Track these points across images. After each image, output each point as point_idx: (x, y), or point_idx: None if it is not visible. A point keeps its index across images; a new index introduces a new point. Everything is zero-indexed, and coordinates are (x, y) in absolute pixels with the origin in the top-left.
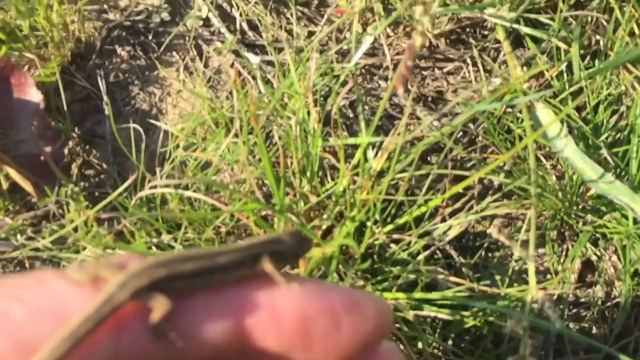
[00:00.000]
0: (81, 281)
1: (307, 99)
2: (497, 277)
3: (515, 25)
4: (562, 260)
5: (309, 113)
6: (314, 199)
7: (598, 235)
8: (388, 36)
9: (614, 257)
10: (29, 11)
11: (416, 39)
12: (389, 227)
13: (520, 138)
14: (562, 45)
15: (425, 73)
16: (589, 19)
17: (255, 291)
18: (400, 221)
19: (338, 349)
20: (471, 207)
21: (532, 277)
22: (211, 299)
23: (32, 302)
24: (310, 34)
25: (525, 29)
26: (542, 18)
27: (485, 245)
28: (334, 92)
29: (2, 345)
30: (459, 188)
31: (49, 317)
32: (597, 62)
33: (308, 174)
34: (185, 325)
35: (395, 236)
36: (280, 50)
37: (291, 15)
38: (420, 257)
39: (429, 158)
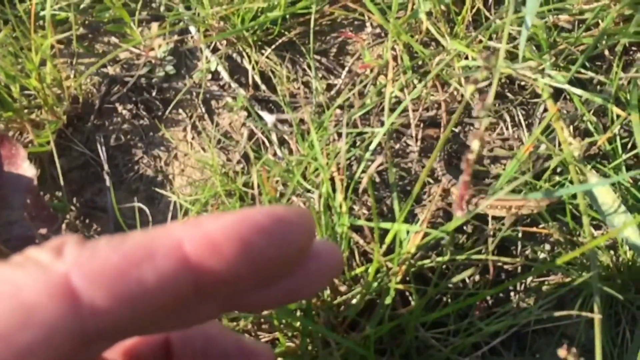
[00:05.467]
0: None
1: (332, 171)
2: None
3: (565, 86)
4: (617, 342)
5: (333, 184)
6: (341, 286)
7: None
8: (415, 87)
9: None
10: (19, 73)
11: (474, 143)
12: (428, 317)
13: (568, 209)
14: (619, 112)
15: (457, 130)
16: None
17: (184, 229)
18: (435, 315)
19: (277, 263)
20: (515, 285)
21: None
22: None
23: None
24: (329, 86)
25: (576, 91)
26: (591, 74)
27: (532, 328)
28: (364, 161)
29: None
30: (508, 285)
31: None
32: None
33: None
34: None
35: (436, 333)
36: (297, 106)
37: (308, 66)
38: (466, 359)
39: (464, 227)
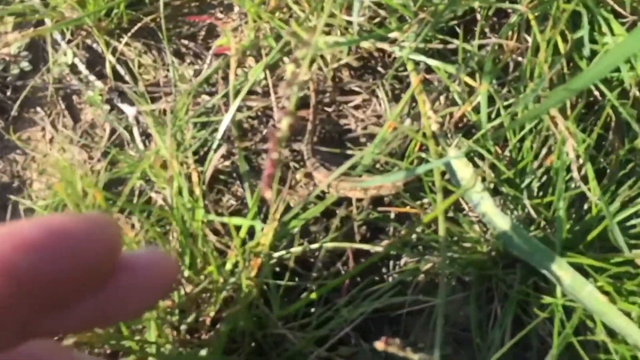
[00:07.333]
0: None
1: (186, 161)
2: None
3: (421, 58)
4: (491, 322)
5: (189, 176)
6: (189, 288)
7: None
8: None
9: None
10: None
11: (283, 122)
12: (284, 311)
13: (427, 186)
14: (473, 83)
15: (329, 110)
16: (508, 36)
17: None
18: (292, 308)
19: (60, 282)
20: (388, 268)
21: None
22: None
23: None
24: (197, 72)
25: (432, 62)
26: (452, 41)
27: (406, 310)
28: (210, 155)
29: None
30: (367, 263)
31: None
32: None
33: (186, 258)
34: None
35: (295, 325)
36: (160, 96)
37: (173, 53)
38: (321, 350)
39: (337, 212)
